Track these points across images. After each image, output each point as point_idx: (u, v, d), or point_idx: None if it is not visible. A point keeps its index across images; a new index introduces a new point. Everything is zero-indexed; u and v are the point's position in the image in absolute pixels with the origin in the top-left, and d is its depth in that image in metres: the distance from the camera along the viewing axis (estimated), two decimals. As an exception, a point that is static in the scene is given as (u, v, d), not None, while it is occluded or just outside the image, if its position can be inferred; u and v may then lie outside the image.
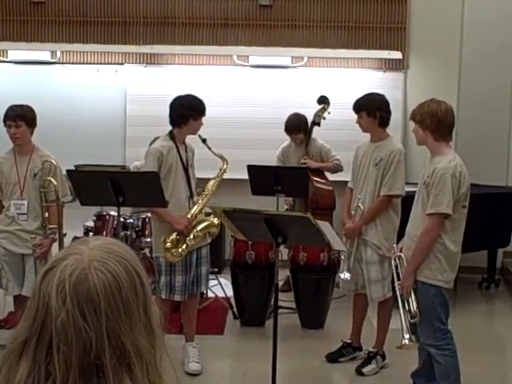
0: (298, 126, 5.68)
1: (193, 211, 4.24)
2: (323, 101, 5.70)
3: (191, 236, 4.21)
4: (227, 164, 4.45)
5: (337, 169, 5.69)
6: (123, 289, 1.06)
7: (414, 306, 3.53)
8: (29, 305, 1.07)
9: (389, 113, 4.38)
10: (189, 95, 4.35)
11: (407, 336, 3.47)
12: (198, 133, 4.33)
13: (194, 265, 4.28)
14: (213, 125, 6.40)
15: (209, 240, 4.39)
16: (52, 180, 4.22)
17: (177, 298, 4.24)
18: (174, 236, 4.18)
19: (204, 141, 4.33)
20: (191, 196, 4.28)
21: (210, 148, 4.34)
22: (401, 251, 3.67)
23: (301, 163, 5.61)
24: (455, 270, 3.61)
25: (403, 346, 3.55)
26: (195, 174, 4.44)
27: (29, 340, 1.04)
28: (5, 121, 4.23)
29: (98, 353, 1.02)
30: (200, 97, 4.35)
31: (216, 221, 4.29)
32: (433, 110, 3.55)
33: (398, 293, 3.59)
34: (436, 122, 3.52)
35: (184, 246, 4.20)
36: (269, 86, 6.77)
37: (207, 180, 4.45)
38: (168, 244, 4.18)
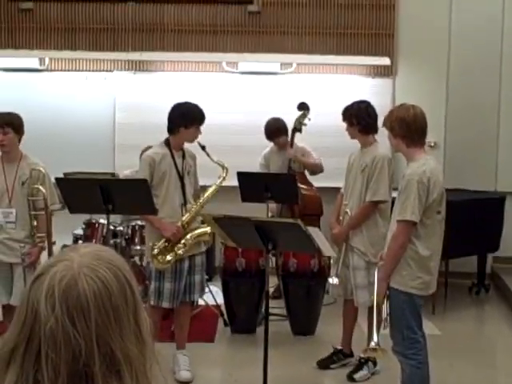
0: (278, 129, 5.76)
1: (184, 218, 4.23)
2: (303, 107, 5.73)
3: (181, 244, 4.19)
4: (227, 172, 4.42)
5: (319, 168, 5.72)
6: (113, 296, 1.05)
7: (385, 313, 3.50)
8: (17, 311, 1.05)
9: (370, 119, 4.38)
10: (186, 103, 4.31)
11: (375, 340, 3.45)
12: (198, 140, 4.31)
13: (185, 272, 4.25)
14: (202, 131, 6.42)
15: (203, 248, 4.36)
16: (40, 188, 4.19)
17: (165, 304, 4.21)
18: (161, 243, 4.17)
19: (203, 148, 4.32)
20: (185, 203, 4.26)
21: (209, 155, 4.33)
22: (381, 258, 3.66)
23: (288, 155, 5.62)
24: (431, 274, 3.55)
25: (368, 350, 3.54)
26: (198, 180, 4.42)
27: (17, 347, 1.03)
28: None
29: (88, 360, 1.01)
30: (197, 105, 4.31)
31: (209, 229, 4.26)
32: (401, 116, 3.51)
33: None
34: (405, 128, 3.48)
35: (172, 254, 4.19)
36: (258, 93, 6.78)
37: (207, 188, 4.43)
38: (155, 250, 4.17)
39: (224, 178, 4.40)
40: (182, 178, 4.24)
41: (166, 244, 4.18)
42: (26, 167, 4.24)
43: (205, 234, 4.29)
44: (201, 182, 4.51)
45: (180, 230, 4.18)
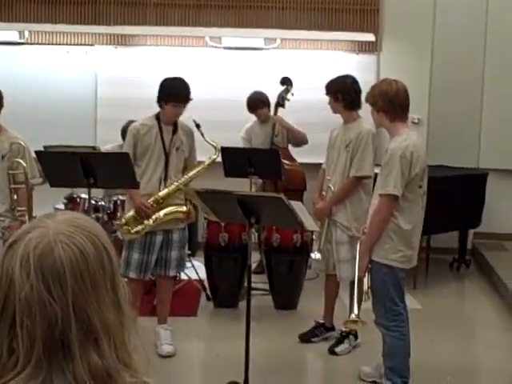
0: (260, 101, 5.77)
1: (161, 194, 4.19)
2: (286, 82, 5.71)
3: (151, 219, 4.15)
4: (218, 154, 4.37)
5: (304, 137, 5.72)
6: (90, 263, 1.03)
7: (366, 286, 3.53)
8: (-9, 279, 1.03)
9: (355, 95, 4.36)
10: (172, 78, 4.25)
11: (356, 312, 3.49)
12: (194, 117, 4.28)
13: (156, 246, 4.23)
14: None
15: (182, 225, 4.31)
16: (21, 161, 4.14)
17: (132, 275, 4.17)
18: (131, 213, 4.18)
19: (198, 126, 4.30)
20: (166, 178, 4.22)
21: (202, 134, 4.30)
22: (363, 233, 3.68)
23: (273, 119, 5.64)
24: (412, 248, 3.58)
25: (348, 322, 3.58)
26: (194, 156, 4.36)
27: (-9, 316, 1.01)
28: None
29: (64, 328, 1.00)
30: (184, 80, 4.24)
31: (184, 208, 4.23)
32: (383, 90, 3.52)
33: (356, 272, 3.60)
34: (387, 103, 3.49)
35: (140, 226, 4.17)
36: (242, 68, 6.72)
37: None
38: (123, 220, 4.20)
39: (214, 160, 4.35)
40: (166, 153, 4.21)
41: (136, 215, 4.17)
42: (5, 141, 4.18)
43: (178, 211, 4.23)
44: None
45: (147, 205, 4.13)
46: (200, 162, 4.38)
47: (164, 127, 4.22)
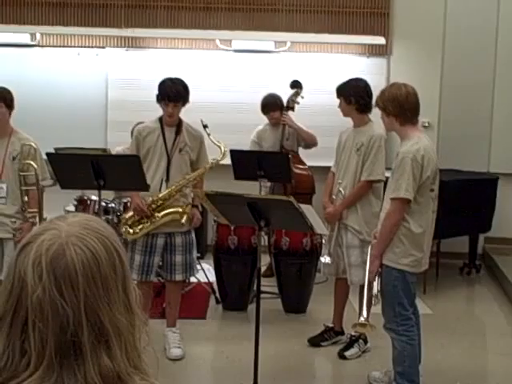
0: (274, 104, 5.76)
1: (161, 195, 4.20)
2: (296, 85, 5.70)
3: (148, 219, 4.19)
4: (224, 156, 4.36)
5: (314, 139, 5.70)
6: (102, 265, 1.03)
7: (376, 289, 3.51)
8: (4, 281, 1.04)
9: (368, 98, 4.35)
10: (167, 78, 4.28)
11: (365, 315, 3.47)
12: (201, 118, 4.32)
13: (158, 249, 4.24)
14: (195, 109, 6.32)
15: (184, 229, 4.27)
16: (32, 163, 4.16)
17: (134, 276, 4.16)
18: (130, 214, 4.24)
19: (205, 126, 4.32)
20: (167, 180, 4.23)
21: (209, 135, 4.32)
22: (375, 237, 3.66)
23: (282, 119, 5.62)
24: (424, 251, 3.56)
25: (357, 326, 3.56)
26: (204, 158, 4.32)
27: (3, 317, 1.01)
28: None
29: (76, 330, 1.00)
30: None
31: (181, 209, 4.22)
32: (393, 95, 3.52)
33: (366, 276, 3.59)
34: (397, 107, 3.49)
35: (140, 227, 4.20)
36: (252, 71, 6.72)
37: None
38: (123, 220, 4.26)
39: (218, 162, 4.34)
40: (168, 155, 4.22)
41: (134, 217, 4.21)
42: (16, 142, 4.20)
43: (175, 212, 4.22)
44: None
45: (141, 206, 4.14)
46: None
47: (166, 128, 4.24)
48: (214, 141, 4.33)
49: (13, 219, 4.14)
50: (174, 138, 4.24)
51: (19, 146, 4.19)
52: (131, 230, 4.22)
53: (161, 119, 4.26)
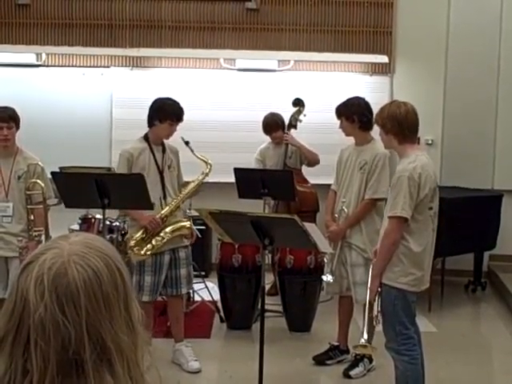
0: (275, 124, 5.77)
1: (163, 212, 4.23)
2: (298, 103, 5.73)
3: (159, 237, 4.20)
4: (210, 168, 4.41)
5: (316, 157, 5.71)
6: (103, 284, 1.04)
7: (375, 310, 3.49)
8: (7, 300, 1.04)
9: (370, 115, 4.36)
10: (166, 98, 4.34)
11: (365, 337, 3.44)
12: (182, 135, 4.32)
13: (165, 266, 4.26)
14: (199, 128, 6.40)
15: (186, 242, 4.36)
16: (39, 181, 4.18)
17: (145, 298, 4.19)
18: (139, 234, 4.21)
19: (187, 143, 4.34)
20: (164, 197, 4.27)
21: (192, 151, 4.34)
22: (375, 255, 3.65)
23: (284, 139, 5.65)
24: (424, 269, 3.53)
25: (358, 347, 3.53)
26: (181, 175, 4.43)
27: (6, 336, 1.01)
28: None
29: (78, 349, 1.00)
30: (182, 100, 4.33)
31: (188, 223, 4.28)
32: (392, 113, 3.50)
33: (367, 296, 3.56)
34: (396, 126, 3.47)
35: (149, 246, 4.20)
36: (255, 90, 6.76)
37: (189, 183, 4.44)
38: (132, 242, 4.20)
39: (207, 174, 4.40)
40: (161, 172, 4.26)
41: (144, 236, 4.21)
42: (22, 161, 4.23)
43: (183, 227, 4.30)
44: (185, 178, 4.51)
45: (157, 219, 4.17)
46: (188, 182, 4.44)
47: (154, 147, 4.29)
48: (199, 155, 4.36)
49: (19, 238, 4.15)
50: (161, 156, 4.30)
51: (25, 165, 4.22)
52: (142, 252, 4.19)
53: (146, 139, 4.29)
